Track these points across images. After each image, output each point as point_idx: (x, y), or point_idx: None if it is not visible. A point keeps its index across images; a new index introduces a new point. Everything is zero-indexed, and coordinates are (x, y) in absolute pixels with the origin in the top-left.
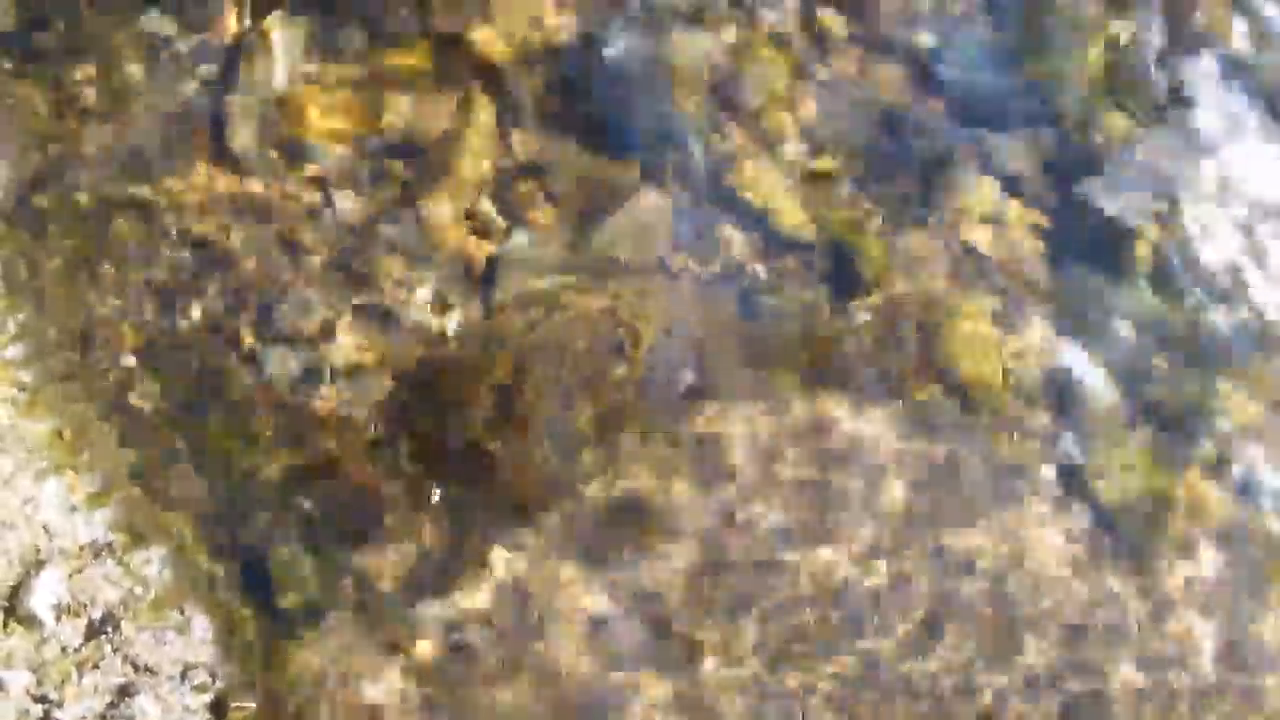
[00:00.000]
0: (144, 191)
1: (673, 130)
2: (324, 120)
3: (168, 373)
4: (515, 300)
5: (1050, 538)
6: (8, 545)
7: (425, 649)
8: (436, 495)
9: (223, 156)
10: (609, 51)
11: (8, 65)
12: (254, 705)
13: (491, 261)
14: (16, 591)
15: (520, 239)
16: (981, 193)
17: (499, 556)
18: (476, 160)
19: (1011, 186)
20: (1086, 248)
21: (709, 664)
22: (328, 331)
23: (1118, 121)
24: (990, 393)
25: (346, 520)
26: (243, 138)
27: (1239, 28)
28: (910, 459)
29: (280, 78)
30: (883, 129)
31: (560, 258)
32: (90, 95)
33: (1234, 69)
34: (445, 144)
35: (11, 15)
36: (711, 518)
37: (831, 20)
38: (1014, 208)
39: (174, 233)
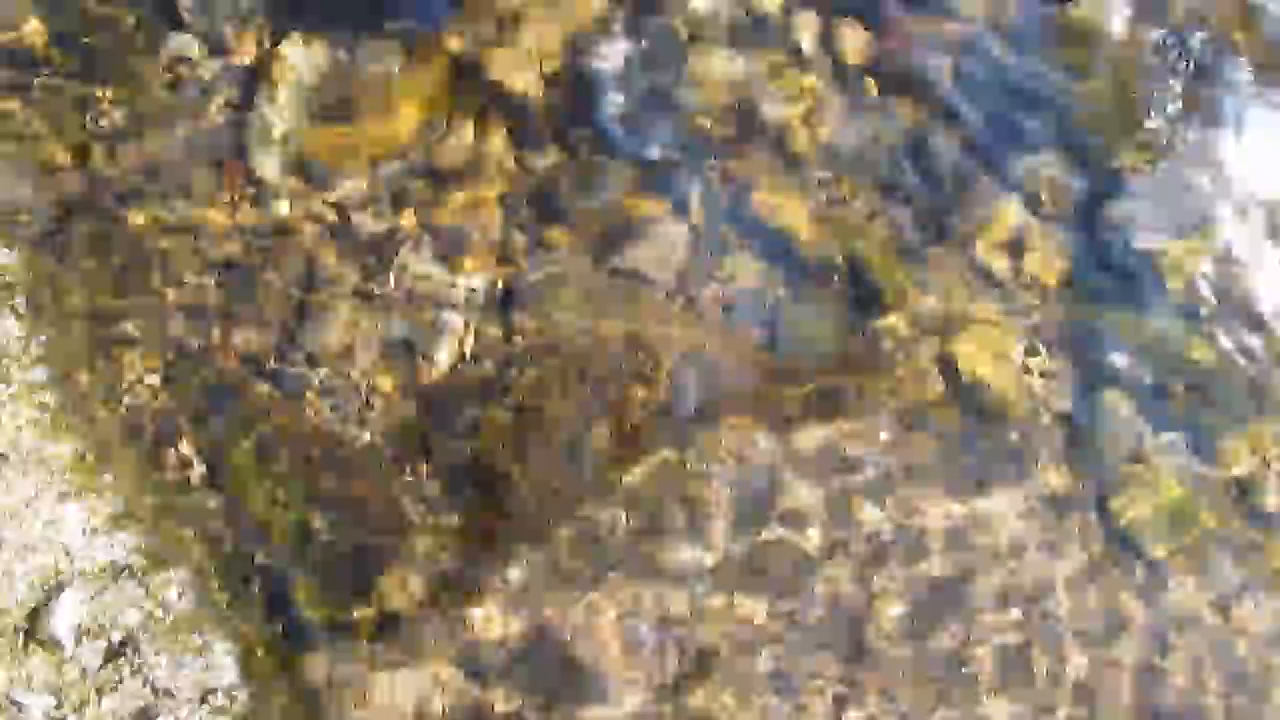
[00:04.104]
0: (167, 215)
1: (693, 153)
2: (344, 143)
3: (189, 395)
4: (535, 323)
5: (1069, 557)
6: (29, 567)
7: (445, 671)
8: (455, 518)
9: (245, 179)
10: (629, 74)
11: (35, 90)
12: None
13: (511, 284)
14: (37, 613)
15: (540, 262)
16: (1002, 214)
17: (519, 579)
18: (496, 183)
19: (1032, 208)
20: (1108, 269)
21: (726, 682)
22: (349, 353)
23: (1140, 144)
24: (1011, 414)
25: (365, 542)
26: (264, 160)
27: (1267, 48)
28: (932, 479)
29: (301, 101)
30: (903, 151)
31: (580, 281)
32: (115, 119)
33: (1262, 90)
34: (465, 166)
35: (38, 40)
36: (733, 541)
37: (852, 44)
38: (1034, 229)
39: (196, 254)
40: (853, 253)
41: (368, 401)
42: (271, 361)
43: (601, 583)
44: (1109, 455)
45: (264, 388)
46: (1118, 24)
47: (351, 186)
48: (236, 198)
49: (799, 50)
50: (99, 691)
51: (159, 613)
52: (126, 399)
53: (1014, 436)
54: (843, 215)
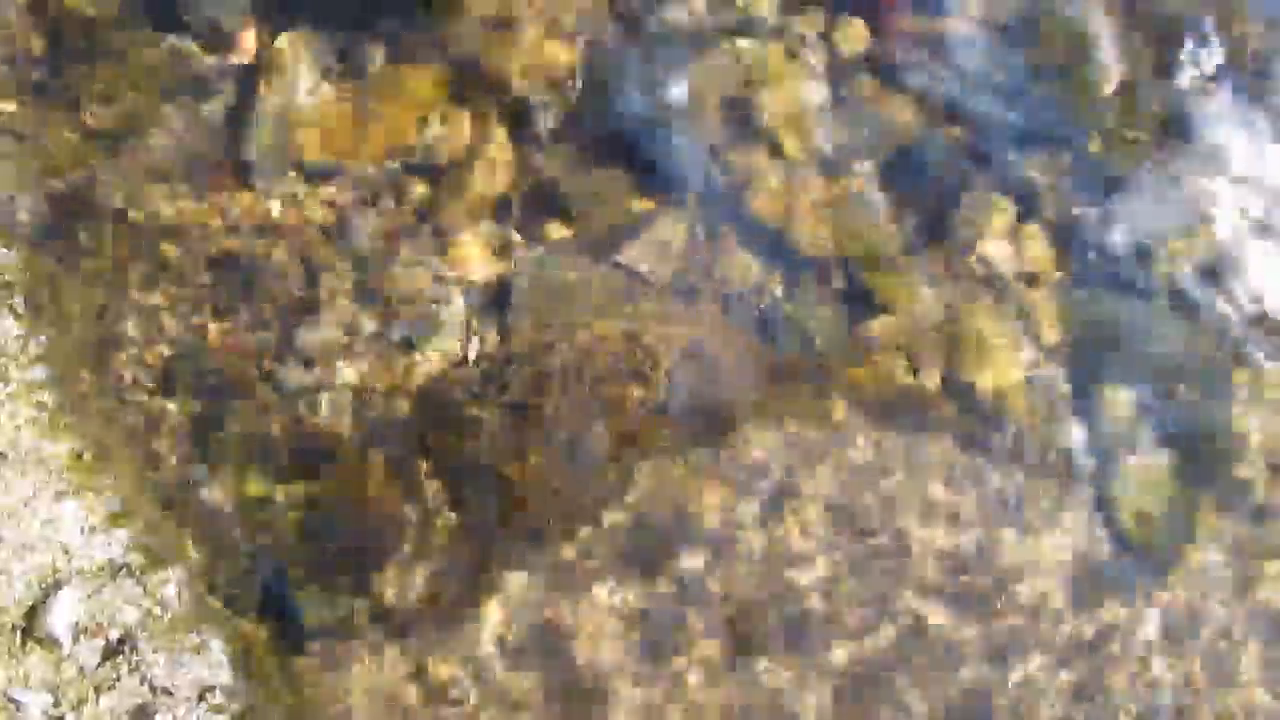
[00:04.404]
0: (165, 213)
1: (691, 152)
2: (344, 141)
3: (187, 394)
4: (533, 321)
5: (1068, 553)
6: (27, 566)
7: (442, 671)
8: (454, 517)
9: (243, 177)
10: (627, 72)
11: (32, 89)
12: None
13: (510, 282)
14: (35, 612)
15: (538, 260)
16: (999, 212)
17: (517, 579)
18: (494, 181)
19: (1029, 205)
20: (1105, 267)
21: (726, 687)
22: (346, 352)
23: (1137, 141)
24: (1009, 412)
25: (364, 542)
26: (262, 158)
27: (1263, 49)
28: (930, 477)
29: (299, 98)
30: (900, 149)
31: (579, 279)
32: (114, 118)
33: (1257, 89)
34: (463, 165)
35: (35, 39)
36: (731, 540)
37: (848, 42)
38: (1031, 227)
39: (194, 254)
40: (850, 251)
41: (366, 400)
42: (269, 360)
43: (600, 581)
44: (1107, 453)
45: (262, 386)
46: (1115, 25)
47: (350, 185)
48: (234, 196)
49: (797, 49)
50: (97, 689)
51: (157, 611)
52: (125, 398)
53: (1012, 434)
54: (840, 214)
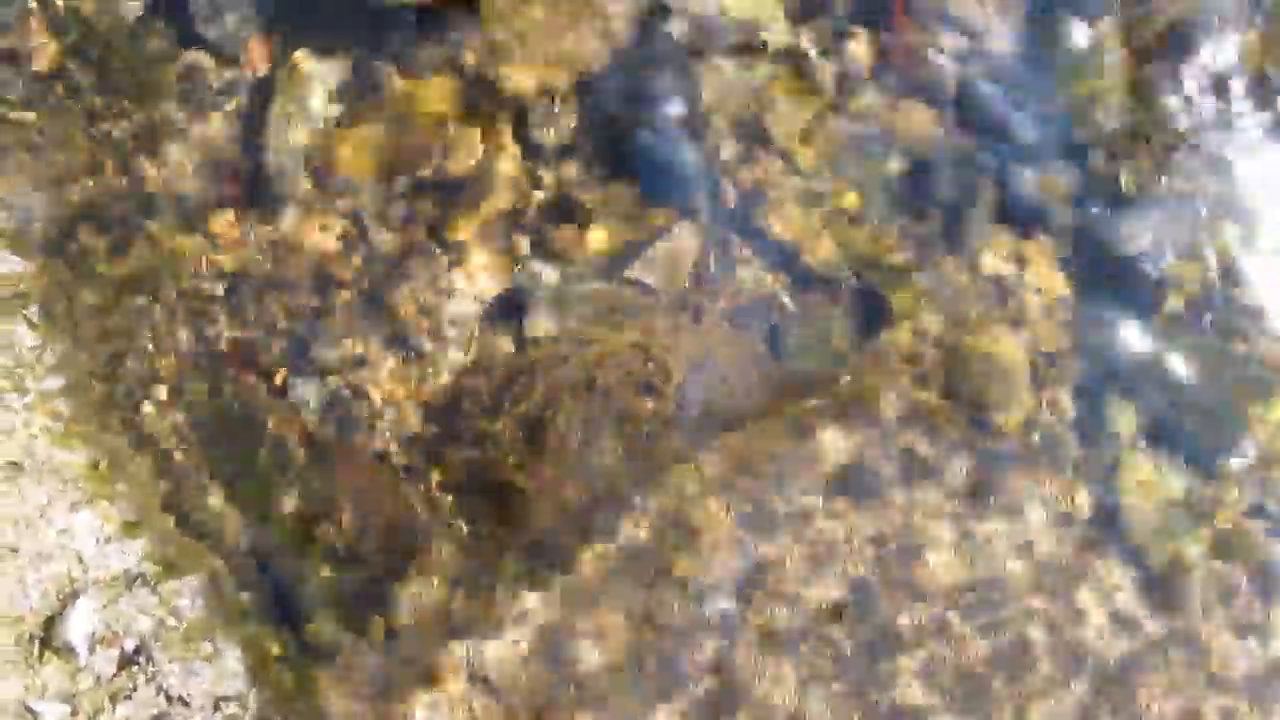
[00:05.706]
0: (180, 224)
1: (702, 166)
2: (356, 155)
3: (201, 404)
4: (545, 334)
5: (1072, 565)
6: (42, 576)
7: (453, 682)
8: (465, 529)
9: (256, 190)
10: (638, 87)
11: (49, 101)
12: None
13: (522, 296)
14: (51, 622)
15: (551, 273)
16: (1007, 227)
17: (528, 590)
18: (507, 195)
19: (1037, 221)
20: (1112, 283)
21: (735, 693)
22: (359, 364)
23: (1145, 158)
24: (1016, 425)
25: (375, 553)
26: (276, 172)
27: (1273, 63)
28: (938, 491)
29: (313, 113)
30: (910, 164)
31: (590, 292)
32: (128, 130)
33: (1267, 109)
34: (476, 179)
35: (51, 51)
36: (743, 554)
37: (859, 57)
38: (1040, 242)
39: (208, 265)
40: (859, 265)
41: (379, 412)
42: (283, 371)
43: (611, 594)
44: (1112, 466)
45: (275, 397)
46: (1122, 38)
47: (363, 197)
48: (248, 209)
49: (806, 62)
50: (113, 699)
51: (171, 620)
52: (139, 408)
53: (1018, 448)
54: (850, 227)
